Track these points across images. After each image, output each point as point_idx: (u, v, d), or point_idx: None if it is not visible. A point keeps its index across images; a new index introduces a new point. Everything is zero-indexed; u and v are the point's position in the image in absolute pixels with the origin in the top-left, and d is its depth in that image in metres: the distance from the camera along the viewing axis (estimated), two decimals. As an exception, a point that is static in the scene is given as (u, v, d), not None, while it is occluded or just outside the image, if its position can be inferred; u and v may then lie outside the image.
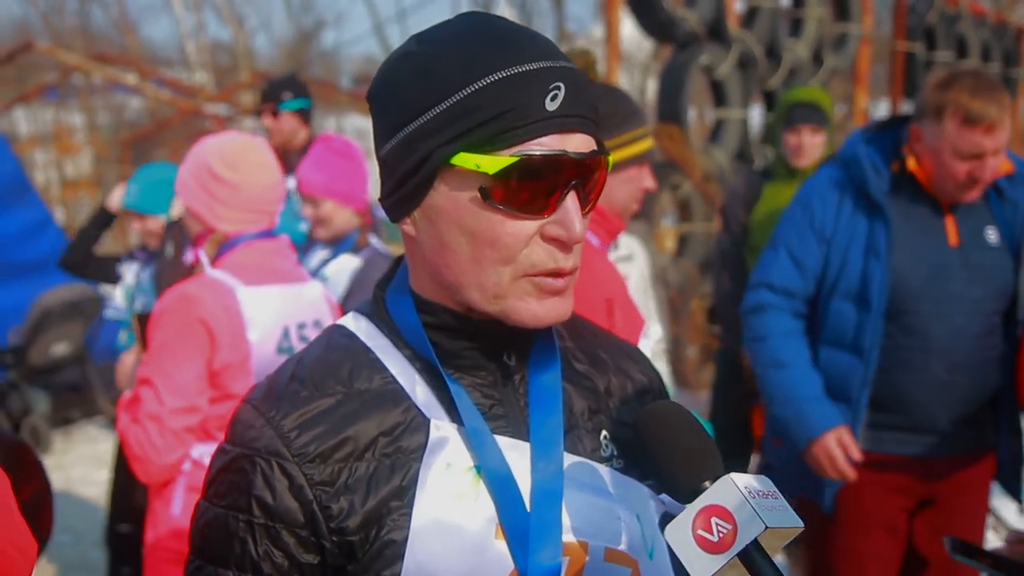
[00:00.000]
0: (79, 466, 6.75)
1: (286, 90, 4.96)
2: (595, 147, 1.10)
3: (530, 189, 1.06)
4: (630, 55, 17.70)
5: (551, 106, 1.05)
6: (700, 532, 1.01)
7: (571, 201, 1.07)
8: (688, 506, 1.03)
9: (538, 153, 1.04)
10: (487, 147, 1.05)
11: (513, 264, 1.08)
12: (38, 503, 1.97)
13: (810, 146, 4.38)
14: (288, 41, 25.69)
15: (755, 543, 0.99)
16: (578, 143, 1.07)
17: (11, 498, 1.12)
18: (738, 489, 1.01)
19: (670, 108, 7.08)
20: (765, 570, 1.00)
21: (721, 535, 1.00)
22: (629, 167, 2.45)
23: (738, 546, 0.99)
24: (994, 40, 10.03)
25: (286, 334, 2.66)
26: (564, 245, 1.08)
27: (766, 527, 0.98)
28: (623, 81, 17.77)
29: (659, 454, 1.09)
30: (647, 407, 1.15)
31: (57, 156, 18.08)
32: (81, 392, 7.50)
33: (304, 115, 5.00)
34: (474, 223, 1.07)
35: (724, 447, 1.24)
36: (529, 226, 1.07)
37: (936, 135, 2.68)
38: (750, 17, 7.30)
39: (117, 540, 4.05)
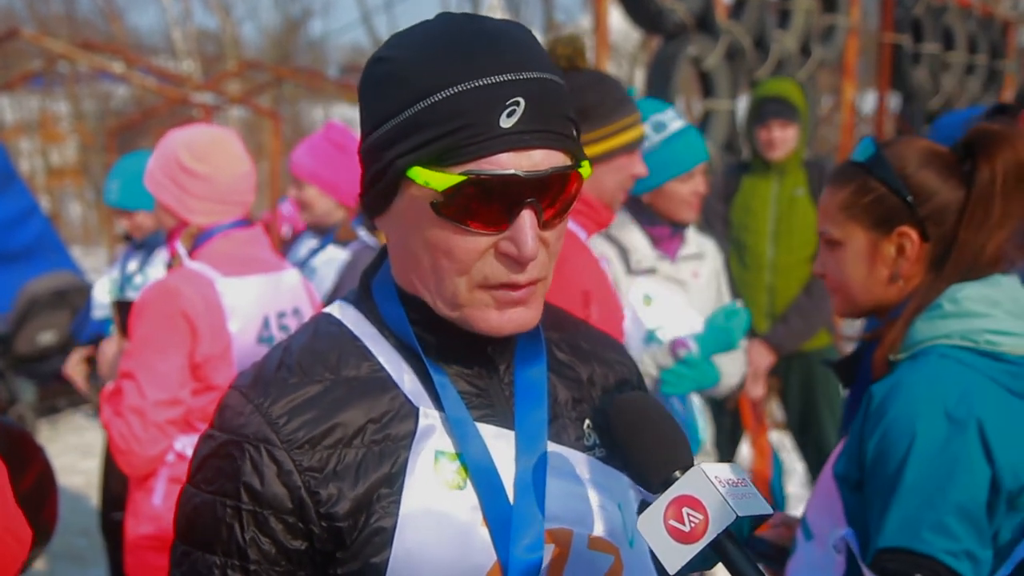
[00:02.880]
0: (65, 455, 6.74)
1: None
2: (561, 162, 1.08)
3: (481, 206, 1.05)
4: (618, 46, 17.69)
5: (506, 123, 1.04)
6: (672, 522, 1.02)
7: (526, 219, 1.06)
8: (659, 497, 1.04)
9: (486, 174, 1.04)
10: (439, 162, 1.05)
11: (468, 275, 1.09)
12: (41, 488, 1.96)
13: (781, 140, 4.45)
14: (275, 30, 25.55)
15: (727, 532, 1.00)
16: (537, 160, 1.05)
17: (6, 486, 1.12)
18: (708, 479, 1.02)
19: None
20: (737, 558, 1.01)
21: (693, 525, 1.01)
22: (618, 156, 2.43)
23: (709, 536, 1.00)
24: (980, 32, 10.06)
25: (266, 323, 2.66)
26: (516, 262, 1.08)
27: (737, 516, 1.00)
28: (611, 72, 17.73)
29: (630, 445, 1.11)
30: (618, 398, 1.16)
31: (42, 144, 17.99)
32: (67, 381, 7.47)
33: None
34: (430, 234, 1.08)
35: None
36: (482, 241, 1.07)
37: None
38: (738, 8, 7.30)
39: (113, 528, 4.04)
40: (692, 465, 1.05)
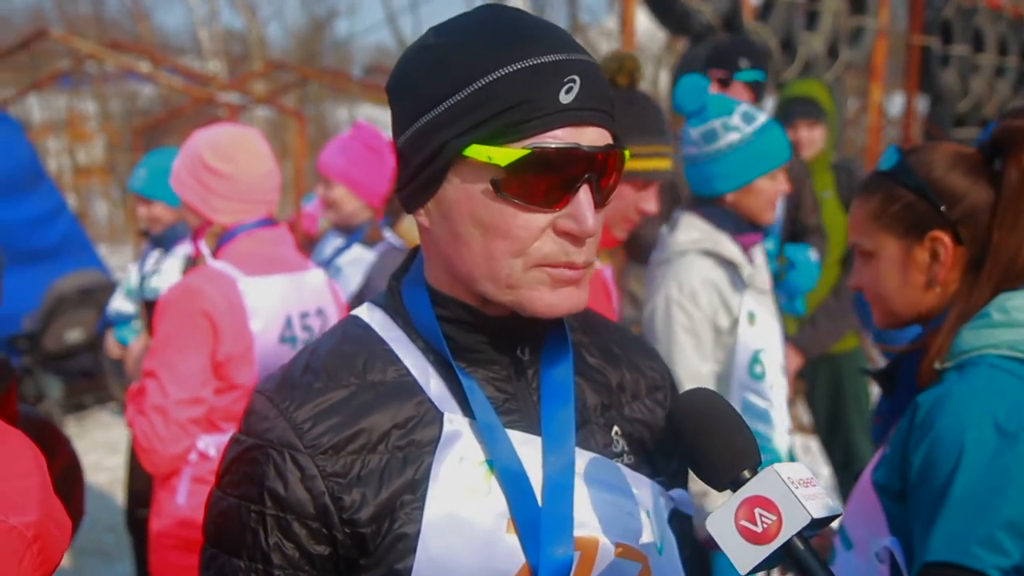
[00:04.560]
0: (92, 452, 6.79)
1: (743, 56, 4.00)
2: (610, 141, 1.09)
3: (543, 182, 1.05)
4: (643, 47, 17.63)
5: (565, 99, 1.04)
6: (743, 523, 1.01)
7: (584, 195, 1.07)
8: (731, 497, 1.03)
9: (551, 146, 1.04)
10: (500, 139, 1.04)
11: (525, 256, 1.08)
12: (68, 478, 1.96)
13: (808, 140, 4.43)
14: (301, 30, 25.67)
15: (799, 533, 0.99)
16: (592, 136, 1.07)
17: (48, 478, 1.13)
18: (782, 480, 1.00)
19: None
20: (809, 561, 1.00)
21: (765, 526, 1.00)
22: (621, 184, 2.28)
23: (783, 537, 0.99)
24: (1011, 34, 9.95)
25: (289, 323, 2.66)
26: (576, 239, 1.08)
27: (812, 518, 0.99)
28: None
29: (698, 442, 1.08)
30: (683, 395, 1.14)
31: (70, 143, 18.15)
32: (94, 378, 7.54)
33: (756, 89, 4.01)
34: (486, 215, 1.07)
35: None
36: (541, 219, 1.07)
37: None
38: (765, 10, 7.26)
39: (138, 524, 4.07)
40: (759, 463, 1.05)
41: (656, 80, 18.88)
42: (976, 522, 1.44)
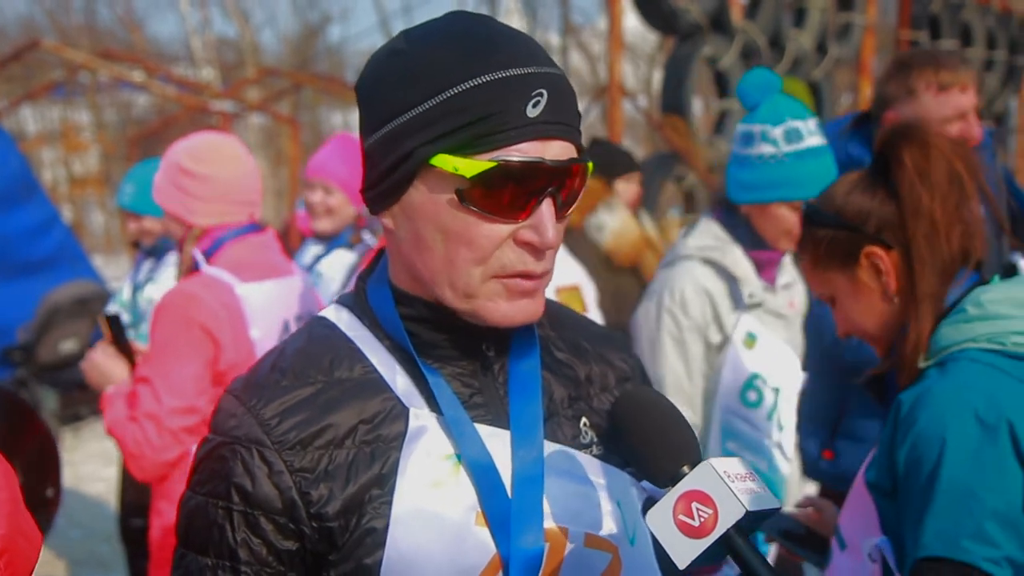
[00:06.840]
0: (88, 463, 6.79)
1: None
2: (575, 154, 1.11)
3: (506, 194, 1.07)
4: (635, 47, 17.66)
5: (532, 112, 1.06)
6: (681, 517, 1.03)
7: (546, 207, 1.09)
8: (668, 491, 1.05)
9: (516, 160, 1.05)
10: (466, 150, 1.06)
11: (484, 265, 1.10)
12: (45, 454, 1.96)
13: None
14: (294, 37, 25.71)
15: (736, 526, 1.01)
16: (557, 150, 1.08)
17: (18, 491, 1.14)
18: (717, 474, 1.02)
19: (673, 99, 7.08)
20: (746, 553, 1.02)
21: (702, 520, 1.02)
22: None
23: (719, 530, 1.01)
24: (999, 28, 9.96)
25: (286, 328, 2.64)
26: (536, 250, 1.10)
27: (747, 511, 1.00)
28: (628, 72, 17.71)
29: (637, 439, 1.11)
30: (623, 392, 1.17)
31: (64, 154, 18.18)
32: (90, 389, 7.53)
33: None
34: (450, 223, 1.09)
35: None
36: (503, 229, 1.09)
37: (915, 112, 2.70)
38: (753, 7, 7.29)
39: (131, 534, 4.07)
40: (700, 459, 1.06)
41: (649, 79, 18.91)
42: (964, 515, 1.45)
